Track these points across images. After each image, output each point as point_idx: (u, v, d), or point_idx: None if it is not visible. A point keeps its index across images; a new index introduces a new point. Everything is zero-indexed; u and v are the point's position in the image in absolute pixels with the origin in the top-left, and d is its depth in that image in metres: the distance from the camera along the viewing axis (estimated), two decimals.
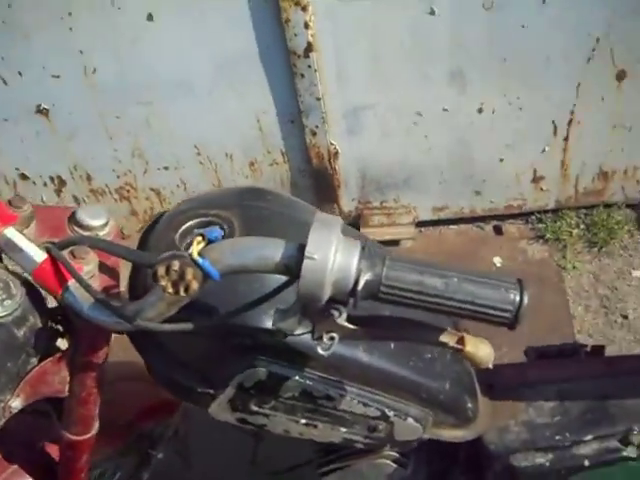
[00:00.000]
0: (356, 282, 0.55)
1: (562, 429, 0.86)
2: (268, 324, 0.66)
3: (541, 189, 2.10)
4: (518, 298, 0.57)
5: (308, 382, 0.73)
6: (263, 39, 1.81)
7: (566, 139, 1.99)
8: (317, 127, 1.96)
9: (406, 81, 1.92)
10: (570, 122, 1.95)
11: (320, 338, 0.60)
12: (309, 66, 1.82)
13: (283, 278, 0.60)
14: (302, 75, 1.84)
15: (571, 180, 2.07)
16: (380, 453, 0.91)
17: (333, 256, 0.54)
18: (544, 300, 1.90)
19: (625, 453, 0.84)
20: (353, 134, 2.01)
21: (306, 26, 1.77)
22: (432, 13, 1.82)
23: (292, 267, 0.56)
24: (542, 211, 2.15)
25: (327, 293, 0.55)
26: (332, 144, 2.02)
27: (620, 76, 1.85)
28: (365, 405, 0.76)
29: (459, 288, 0.56)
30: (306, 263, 0.54)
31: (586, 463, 0.84)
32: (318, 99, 1.90)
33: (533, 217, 2.17)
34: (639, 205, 2.12)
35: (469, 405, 0.83)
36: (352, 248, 0.56)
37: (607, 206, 2.12)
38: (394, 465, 0.91)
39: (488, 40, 1.84)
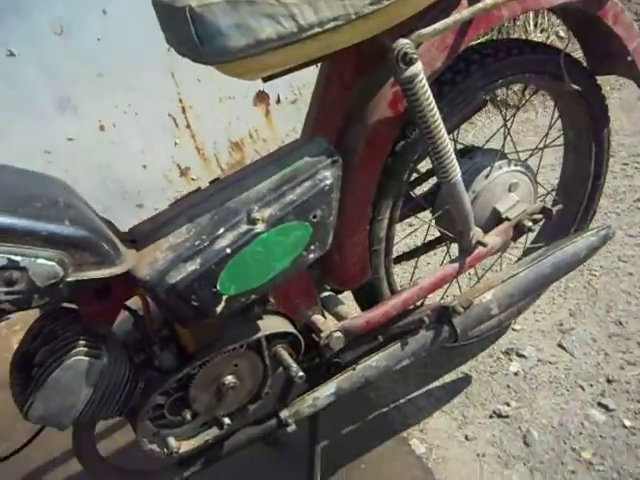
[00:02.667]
0: None
1: (198, 235, 0.91)
2: None
3: (192, 179, 2.26)
4: None
5: None
6: None
7: (188, 126, 2.18)
8: None
9: (19, 124, 1.94)
10: (184, 110, 2.15)
11: None
12: None
13: None
14: None
15: (212, 161, 2.26)
16: (70, 350, 0.88)
17: None
18: None
19: (256, 230, 0.93)
20: None
21: None
22: (12, 54, 1.89)
23: None
24: None
25: None
26: None
27: None
28: None
29: None
30: None
31: (228, 251, 0.91)
32: None
33: None
34: None
35: (103, 244, 0.84)
36: None
37: None
38: (86, 358, 0.88)
39: (76, 62, 1.96)
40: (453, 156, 1.01)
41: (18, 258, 0.76)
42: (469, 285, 1.69)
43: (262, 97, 2.27)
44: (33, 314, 2.25)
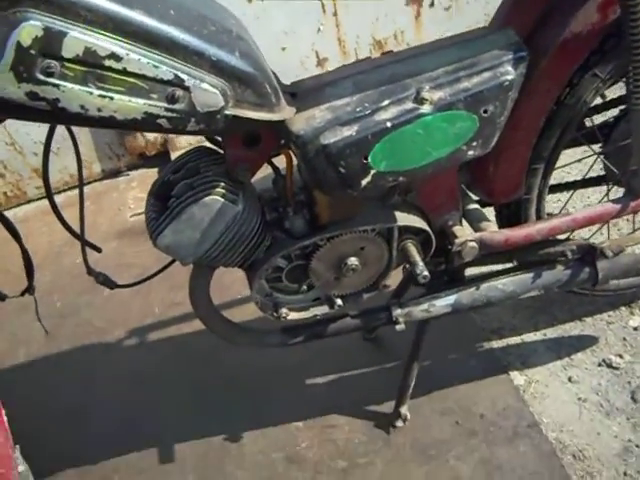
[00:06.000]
0: None
1: (361, 102, 0.86)
2: None
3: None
4: None
5: (89, 39, 0.67)
6: None
7: (335, 14, 2.09)
8: None
9: None
10: None
11: None
12: None
13: None
14: None
15: (351, 55, 2.17)
16: (209, 189, 0.88)
17: None
18: None
19: (421, 110, 0.87)
20: None
21: None
22: None
23: None
24: None
25: None
26: None
27: None
28: (156, 67, 0.71)
29: None
30: None
31: (388, 125, 0.85)
32: None
33: None
34: None
35: (266, 85, 0.81)
36: None
37: None
38: (222, 200, 0.87)
39: None
40: None
41: (184, 76, 0.74)
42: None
43: None
44: (152, 175, 2.30)
